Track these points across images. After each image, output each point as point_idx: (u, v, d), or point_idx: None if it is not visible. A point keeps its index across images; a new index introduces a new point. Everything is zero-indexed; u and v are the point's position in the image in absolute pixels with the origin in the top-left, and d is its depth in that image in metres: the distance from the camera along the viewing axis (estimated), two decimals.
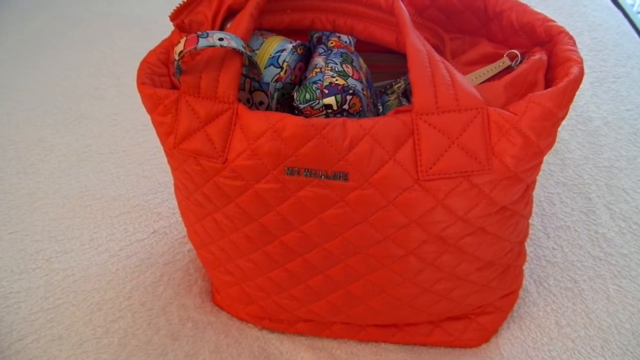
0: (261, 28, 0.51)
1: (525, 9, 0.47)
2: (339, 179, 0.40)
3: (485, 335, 0.55)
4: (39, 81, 0.98)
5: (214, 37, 0.40)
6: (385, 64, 0.61)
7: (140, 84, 0.45)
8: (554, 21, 0.45)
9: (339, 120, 0.39)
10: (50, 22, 1.16)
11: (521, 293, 0.58)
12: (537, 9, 0.48)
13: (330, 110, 0.44)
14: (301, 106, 0.44)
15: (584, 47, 0.95)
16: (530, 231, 0.63)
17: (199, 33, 0.41)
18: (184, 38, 0.41)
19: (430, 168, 0.39)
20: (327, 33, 0.53)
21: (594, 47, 0.95)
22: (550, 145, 0.41)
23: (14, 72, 1.00)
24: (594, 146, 0.76)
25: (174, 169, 0.48)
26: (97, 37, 1.10)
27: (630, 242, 0.63)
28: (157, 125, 0.45)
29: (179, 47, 0.40)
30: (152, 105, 0.44)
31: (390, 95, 0.56)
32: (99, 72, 1.00)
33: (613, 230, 0.65)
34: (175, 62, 0.41)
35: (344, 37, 0.53)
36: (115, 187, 0.75)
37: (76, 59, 1.04)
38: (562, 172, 0.73)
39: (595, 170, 0.72)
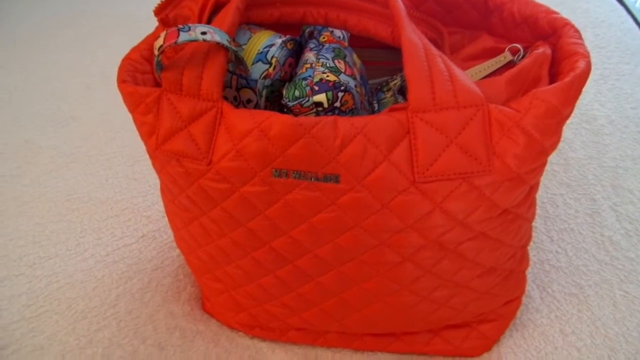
0: (249, 22, 0.49)
1: (527, 1, 0.45)
2: (330, 181, 0.38)
3: (487, 344, 0.52)
4: (29, 81, 0.96)
5: (196, 31, 0.38)
6: (381, 60, 0.58)
7: (121, 81, 0.42)
8: (557, 13, 0.43)
9: (330, 118, 0.37)
10: (43, 21, 1.14)
11: (524, 299, 0.55)
12: None
13: (320, 108, 0.41)
14: (290, 104, 0.41)
15: (587, 44, 0.92)
16: (533, 234, 0.60)
17: (180, 27, 0.38)
18: (164, 32, 0.38)
19: (427, 169, 0.37)
20: (319, 27, 0.51)
21: (597, 43, 0.93)
22: (554, 144, 0.39)
23: (3, 72, 0.98)
24: (598, 145, 0.74)
25: (158, 172, 0.46)
26: (89, 37, 1.08)
27: (637, 245, 0.60)
28: (139, 125, 0.43)
29: (159, 42, 0.38)
30: (133, 104, 0.42)
31: (386, 93, 0.54)
32: (90, 72, 0.98)
33: (619, 232, 0.62)
34: (155, 58, 0.39)
35: (337, 32, 0.51)
36: (103, 190, 0.72)
37: (68, 58, 1.02)
38: (565, 173, 0.70)
39: (599, 170, 0.70)
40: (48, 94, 0.92)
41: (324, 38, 0.48)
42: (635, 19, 1.02)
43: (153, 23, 0.48)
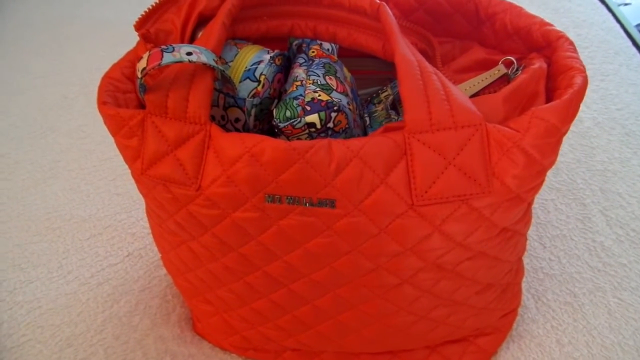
0: (235, 37, 0.47)
1: (519, 11, 0.44)
2: (326, 206, 0.36)
3: (485, 357, 0.52)
4: (2, 92, 0.92)
5: (181, 52, 0.36)
6: (370, 69, 0.57)
7: (101, 103, 0.40)
8: (551, 25, 0.42)
9: (324, 141, 0.36)
10: (16, 27, 1.10)
11: (520, 310, 0.55)
12: (521, 6, 0.45)
13: (313, 129, 0.40)
14: (281, 125, 0.40)
15: None
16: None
17: (164, 47, 0.36)
18: (147, 53, 0.36)
19: (426, 192, 0.36)
20: (308, 40, 0.49)
21: (580, 44, 0.93)
22: (553, 162, 0.38)
23: None
24: (586, 148, 0.74)
25: (144, 195, 0.44)
26: (65, 43, 1.04)
27: (628, 250, 0.61)
28: (122, 149, 0.41)
29: (142, 64, 0.36)
30: (116, 127, 0.40)
31: (377, 105, 0.53)
32: (68, 80, 0.94)
33: (610, 238, 0.62)
34: (138, 80, 0.37)
35: (326, 45, 0.49)
36: (85, 207, 0.70)
37: (43, 66, 0.98)
38: (555, 177, 0.70)
39: (588, 174, 0.70)
40: (23, 105, 0.89)
41: (313, 52, 0.47)
42: (616, 18, 1.02)
43: (131, 28, 0.46)
